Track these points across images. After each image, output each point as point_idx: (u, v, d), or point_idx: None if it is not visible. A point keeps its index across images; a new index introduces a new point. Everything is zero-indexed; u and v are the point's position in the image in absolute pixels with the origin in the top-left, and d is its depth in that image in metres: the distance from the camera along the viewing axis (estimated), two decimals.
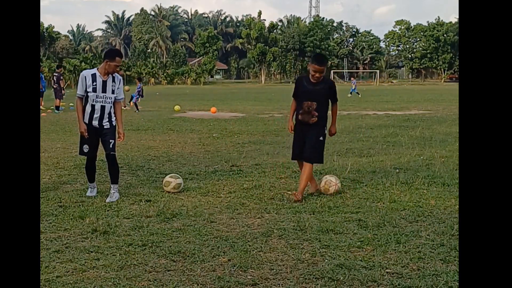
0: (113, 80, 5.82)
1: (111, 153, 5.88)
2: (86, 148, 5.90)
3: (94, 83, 5.73)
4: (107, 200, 5.72)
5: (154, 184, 6.63)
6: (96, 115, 5.80)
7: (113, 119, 5.92)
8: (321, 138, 5.92)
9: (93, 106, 5.78)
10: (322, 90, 5.88)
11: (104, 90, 5.76)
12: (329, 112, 6.01)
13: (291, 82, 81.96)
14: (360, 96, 34.21)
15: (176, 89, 62.93)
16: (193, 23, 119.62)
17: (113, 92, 5.82)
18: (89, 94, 5.76)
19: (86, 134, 5.80)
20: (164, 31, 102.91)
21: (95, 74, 5.77)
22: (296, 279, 3.53)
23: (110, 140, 5.86)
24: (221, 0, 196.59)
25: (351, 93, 35.55)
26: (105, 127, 5.84)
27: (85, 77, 5.75)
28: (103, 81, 5.76)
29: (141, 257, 3.94)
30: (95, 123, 5.81)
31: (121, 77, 5.97)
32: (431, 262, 3.83)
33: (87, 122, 5.82)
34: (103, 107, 5.79)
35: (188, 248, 4.13)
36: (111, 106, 5.86)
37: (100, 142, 5.95)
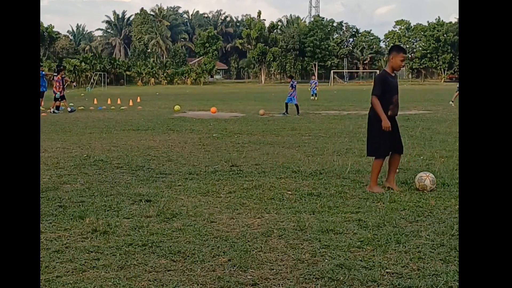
0: None
1: None
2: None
3: None
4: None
5: (154, 184, 6.63)
6: None
7: None
8: None
9: None
10: (397, 82, 6.41)
11: None
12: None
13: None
14: (315, 99, 30.81)
15: (176, 89, 62.92)
16: (193, 23, 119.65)
17: None
18: None
19: None
20: (164, 31, 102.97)
21: None
22: (296, 279, 3.53)
23: None
24: (221, 0, 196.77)
25: (313, 95, 31.93)
26: None
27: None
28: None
29: (141, 257, 3.93)
30: None
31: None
32: (431, 262, 3.83)
33: None
34: None
35: (188, 248, 4.13)
36: None
37: None
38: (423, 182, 6.15)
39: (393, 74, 6.29)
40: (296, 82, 19.45)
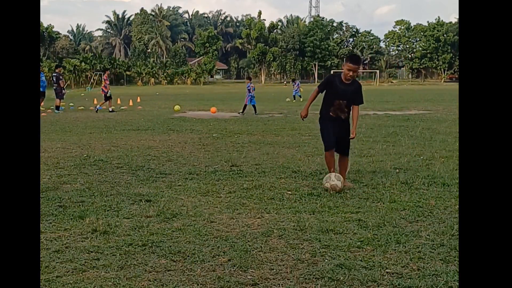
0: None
1: None
2: None
3: None
4: None
5: (154, 184, 6.63)
6: None
7: None
8: (350, 135, 6.46)
9: None
10: (351, 91, 6.32)
11: None
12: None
13: (291, 82, 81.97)
14: (292, 100, 30.02)
15: (176, 89, 62.93)
16: (193, 23, 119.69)
17: None
18: None
19: None
20: (164, 31, 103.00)
21: None
22: (296, 279, 3.53)
23: None
24: (221, 0, 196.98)
25: (294, 96, 31.13)
26: None
27: None
28: None
29: (141, 257, 3.93)
30: None
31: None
32: (431, 262, 3.83)
33: None
34: None
35: (188, 248, 4.13)
36: None
37: None
38: (330, 182, 6.08)
39: (345, 81, 6.28)
40: (251, 84, 19.59)
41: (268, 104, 27.12)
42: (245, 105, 19.31)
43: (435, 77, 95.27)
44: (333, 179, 6.05)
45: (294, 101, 29.99)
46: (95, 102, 28.06)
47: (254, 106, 19.38)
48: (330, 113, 6.35)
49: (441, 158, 8.58)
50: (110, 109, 20.96)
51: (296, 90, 31.70)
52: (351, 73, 6.20)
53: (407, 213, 5.18)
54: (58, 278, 3.55)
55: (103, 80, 22.08)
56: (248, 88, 19.33)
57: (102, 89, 21.62)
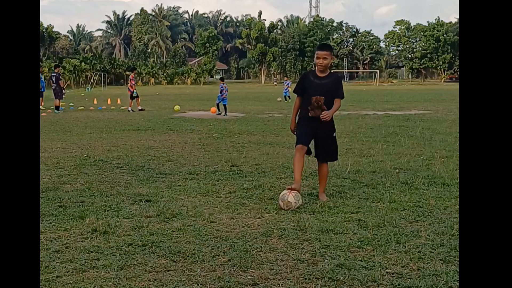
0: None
1: None
2: None
3: None
4: None
5: (154, 184, 6.63)
6: None
7: None
8: (334, 134, 5.99)
9: None
10: (328, 84, 5.86)
11: None
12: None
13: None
14: (282, 100, 29.53)
15: (176, 89, 62.90)
16: (193, 23, 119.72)
17: None
18: None
19: None
20: (164, 31, 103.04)
21: None
22: (296, 279, 3.52)
23: None
24: (221, 0, 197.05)
25: (285, 97, 30.15)
26: None
27: None
28: None
29: (141, 257, 3.93)
30: None
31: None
32: (431, 262, 3.82)
33: None
34: None
35: (188, 248, 4.13)
36: None
37: None
38: (287, 199, 5.38)
39: (320, 74, 5.84)
40: (225, 85, 19.78)
41: (268, 104, 27.12)
42: (224, 106, 19.26)
43: (435, 77, 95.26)
44: (290, 199, 5.37)
45: (285, 101, 29.17)
46: (95, 102, 28.06)
47: (225, 106, 19.30)
48: (309, 113, 5.83)
49: (441, 158, 8.58)
50: (139, 108, 21.57)
51: (286, 89, 30.73)
52: (320, 61, 5.76)
53: (407, 213, 5.18)
54: (58, 278, 3.55)
55: (129, 79, 22.43)
56: (221, 88, 19.42)
57: (128, 88, 22.12)
